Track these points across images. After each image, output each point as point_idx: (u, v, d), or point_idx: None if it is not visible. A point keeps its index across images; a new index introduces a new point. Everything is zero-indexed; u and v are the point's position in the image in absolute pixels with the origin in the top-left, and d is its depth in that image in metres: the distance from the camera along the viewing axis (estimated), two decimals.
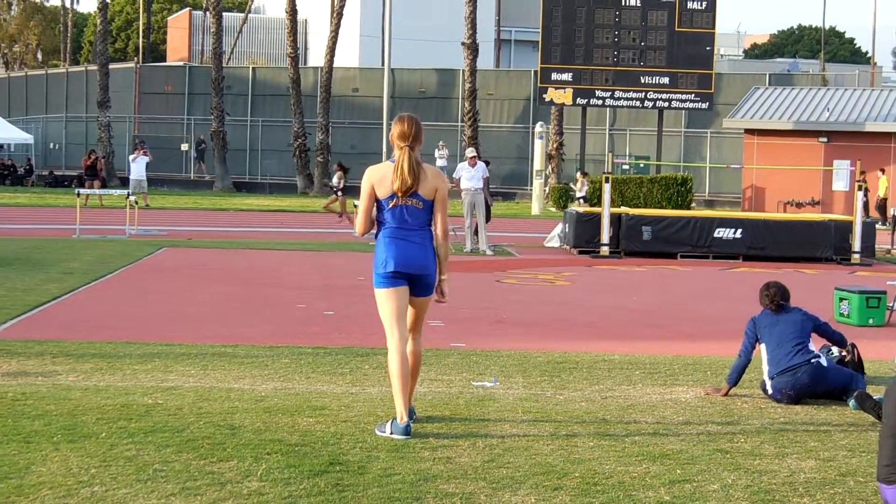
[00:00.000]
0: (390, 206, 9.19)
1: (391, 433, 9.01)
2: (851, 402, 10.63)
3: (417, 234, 9.24)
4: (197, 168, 65.50)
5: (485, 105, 62.24)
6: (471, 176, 29.19)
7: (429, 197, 9.25)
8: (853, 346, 12.01)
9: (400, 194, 9.15)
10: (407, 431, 9.00)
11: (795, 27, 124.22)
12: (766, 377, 11.21)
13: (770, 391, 11.11)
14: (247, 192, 61.32)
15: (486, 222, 29.45)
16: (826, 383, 11.09)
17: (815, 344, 11.59)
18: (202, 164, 65.25)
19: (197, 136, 65.07)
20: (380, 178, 9.23)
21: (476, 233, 29.20)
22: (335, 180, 38.10)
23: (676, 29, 40.46)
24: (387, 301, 9.27)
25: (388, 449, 8.60)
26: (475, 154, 30.01)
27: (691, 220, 29.75)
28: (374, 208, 9.33)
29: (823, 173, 47.71)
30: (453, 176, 31.21)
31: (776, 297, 11.47)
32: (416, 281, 9.31)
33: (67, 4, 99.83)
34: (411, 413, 9.39)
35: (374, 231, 9.44)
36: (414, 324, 9.52)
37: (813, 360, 11.06)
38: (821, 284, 21.72)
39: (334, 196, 38.06)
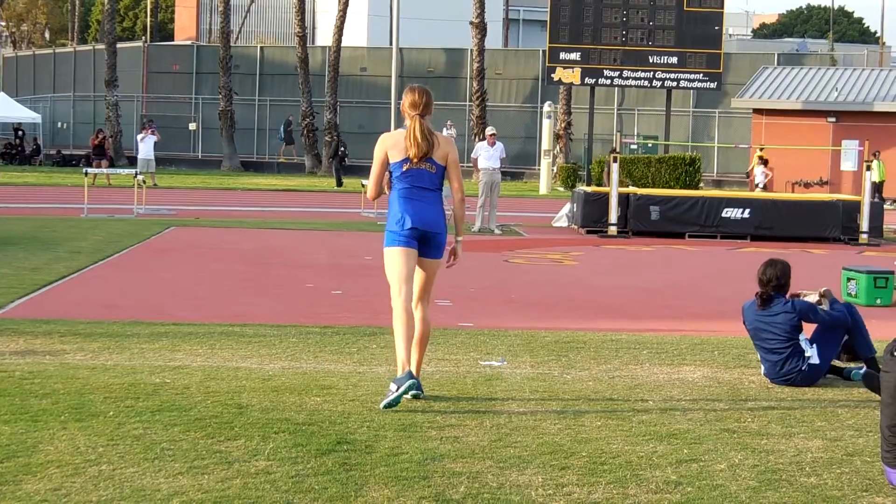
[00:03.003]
0: (404, 169, 9.36)
1: (397, 387, 9.07)
2: (855, 374, 10.71)
3: (430, 193, 9.43)
4: (286, 150, 64.21)
5: (493, 84, 62.16)
6: (489, 155, 29.06)
7: (441, 162, 9.45)
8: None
9: (415, 160, 9.33)
10: (410, 376, 9.13)
11: (804, 7, 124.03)
12: (762, 370, 11.14)
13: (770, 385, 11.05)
14: (255, 171, 61.34)
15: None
16: (824, 374, 11.02)
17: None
18: (291, 145, 63.82)
19: (285, 117, 63.33)
20: (394, 143, 9.40)
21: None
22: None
23: (685, 8, 40.33)
24: (396, 259, 9.38)
25: (395, 428, 8.60)
26: (494, 132, 29.93)
27: (699, 199, 29.74)
28: (386, 173, 9.54)
29: (832, 153, 47.64)
30: (471, 155, 31.13)
31: (769, 286, 11.04)
32: (428, 240, 9.44)
33: None
34: (419, 386, 9.40)
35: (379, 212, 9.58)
36: (423, 290, 9.63)
37: (804, 368, 10.81)
38: (829, 264, 21.68)
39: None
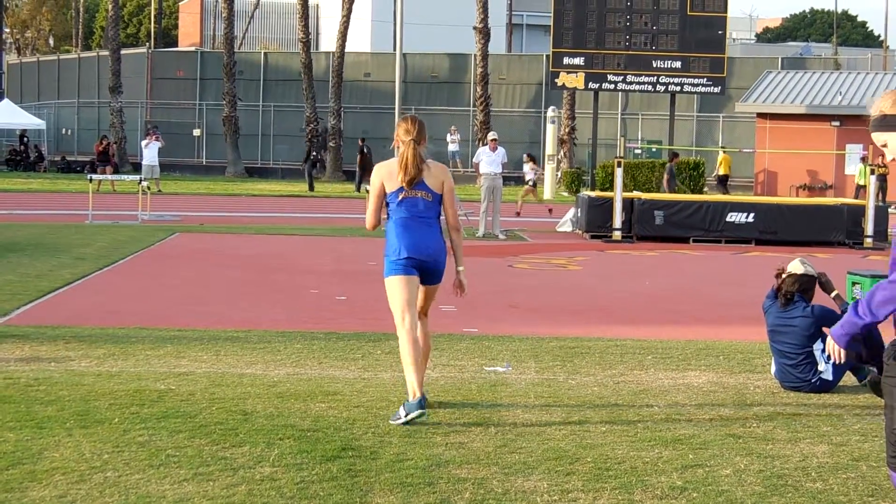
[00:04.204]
0: (400, 198, 9.35)
1: (406, 413, 8.91)
2: (864, 381, 10.68)
3: (426, 222, 9.37)
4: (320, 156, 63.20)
5: (497, 90, 62.17)
6: (491, 160, 29.08)
7: (437, 190, 9.40)
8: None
9: (406, 186, 9.29)
10: (421, 405, 8.98)
11: (808, 11, 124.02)
12: (773, 370, 11.10)
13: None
14: (259, 177, 61.34)
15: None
16: (833, 387, 10.95)
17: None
18: (324, 151, 63.16)
19: (322, 125, 63.04)
20: (388, 173, 9.39)
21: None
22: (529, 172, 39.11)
23: (688, 13, 40.34)
24: (397, 289, 9.33)
25: (400, 434, 8.60)
26: (496, 137, 29.94)
27: (703, 204, 29.72)
28: (384, 203, 9.52)
29: (836, 157, 47.62)
30: (473, 160, 31.24)
31: (792, 288, 11.01)
32: (427, 268, 9.39)
33: None
34: (422, 399, 9.21)
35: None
36: (422, 310, 9.61)
37: (815, 381, 10.73)
38: (833, 268, 21.62)
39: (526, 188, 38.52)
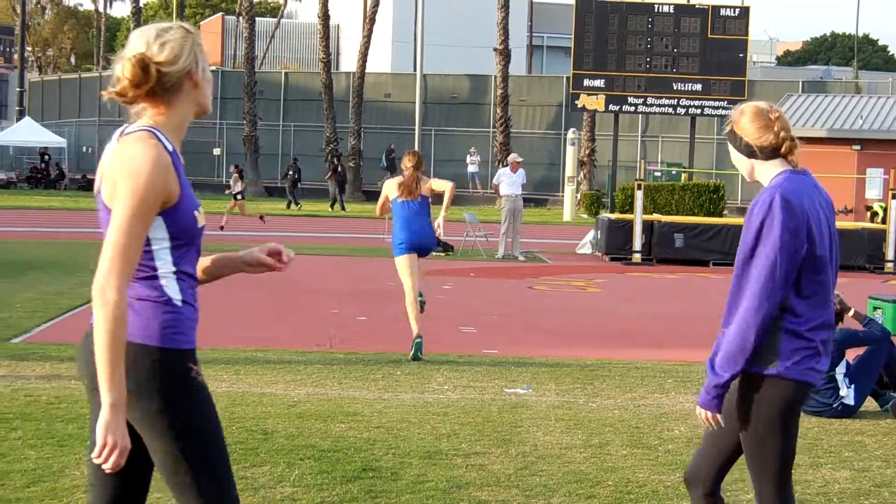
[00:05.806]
0: (400, 201, 13.90)
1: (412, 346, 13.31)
2: (886, 406, 10.62)
3: (417, 216, 13.83)
4: (388, 178, 61.78)
5: (517, 111, 62.14)
6: (511, 182, 29.06)
7: (425, 194, 13.98)
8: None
9: (401, 196, 13.88)
10: (418, 336, 13.29)
11: (828, 34, 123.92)
12: None
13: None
14: (279, 196, 61.39)
15: None
16: (855, 412, 10.85)
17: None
18: (391, 174, 62.11)
19: (387, 145, 62.82)
20: (394, 186, 14.08)
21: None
22: (234, 185, 39.76)
23: (709, 35, 40.33)
24: (402, 264, 13.77)
25: (420, 455, 8.60)
26: (520, 160, 29.91)
27: (724, 227, 29.66)
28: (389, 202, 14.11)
29: (857, 181, 47.53)
30: (493, 181, 31.25)
31: None
32: (418, 248, 13.85)
33: (101, 9, 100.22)
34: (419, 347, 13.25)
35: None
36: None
37: (837, 406, 10.68)
38: (854, 293, 21.58)
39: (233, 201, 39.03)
